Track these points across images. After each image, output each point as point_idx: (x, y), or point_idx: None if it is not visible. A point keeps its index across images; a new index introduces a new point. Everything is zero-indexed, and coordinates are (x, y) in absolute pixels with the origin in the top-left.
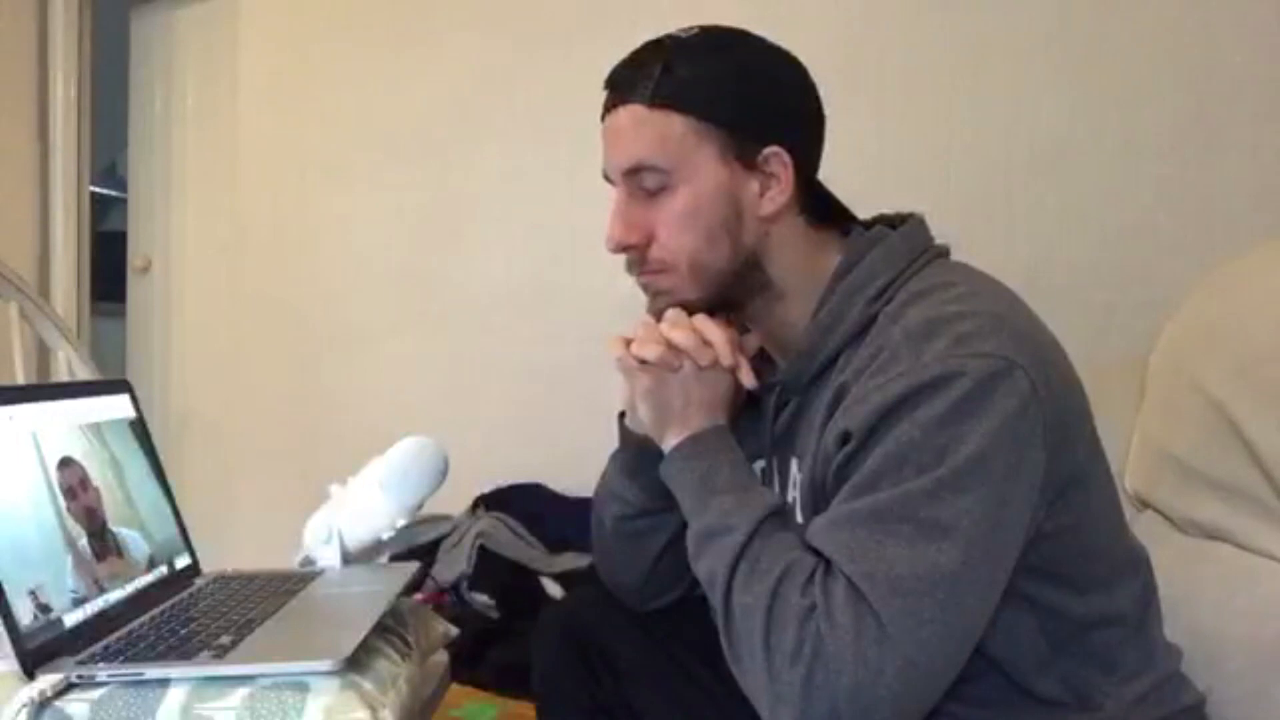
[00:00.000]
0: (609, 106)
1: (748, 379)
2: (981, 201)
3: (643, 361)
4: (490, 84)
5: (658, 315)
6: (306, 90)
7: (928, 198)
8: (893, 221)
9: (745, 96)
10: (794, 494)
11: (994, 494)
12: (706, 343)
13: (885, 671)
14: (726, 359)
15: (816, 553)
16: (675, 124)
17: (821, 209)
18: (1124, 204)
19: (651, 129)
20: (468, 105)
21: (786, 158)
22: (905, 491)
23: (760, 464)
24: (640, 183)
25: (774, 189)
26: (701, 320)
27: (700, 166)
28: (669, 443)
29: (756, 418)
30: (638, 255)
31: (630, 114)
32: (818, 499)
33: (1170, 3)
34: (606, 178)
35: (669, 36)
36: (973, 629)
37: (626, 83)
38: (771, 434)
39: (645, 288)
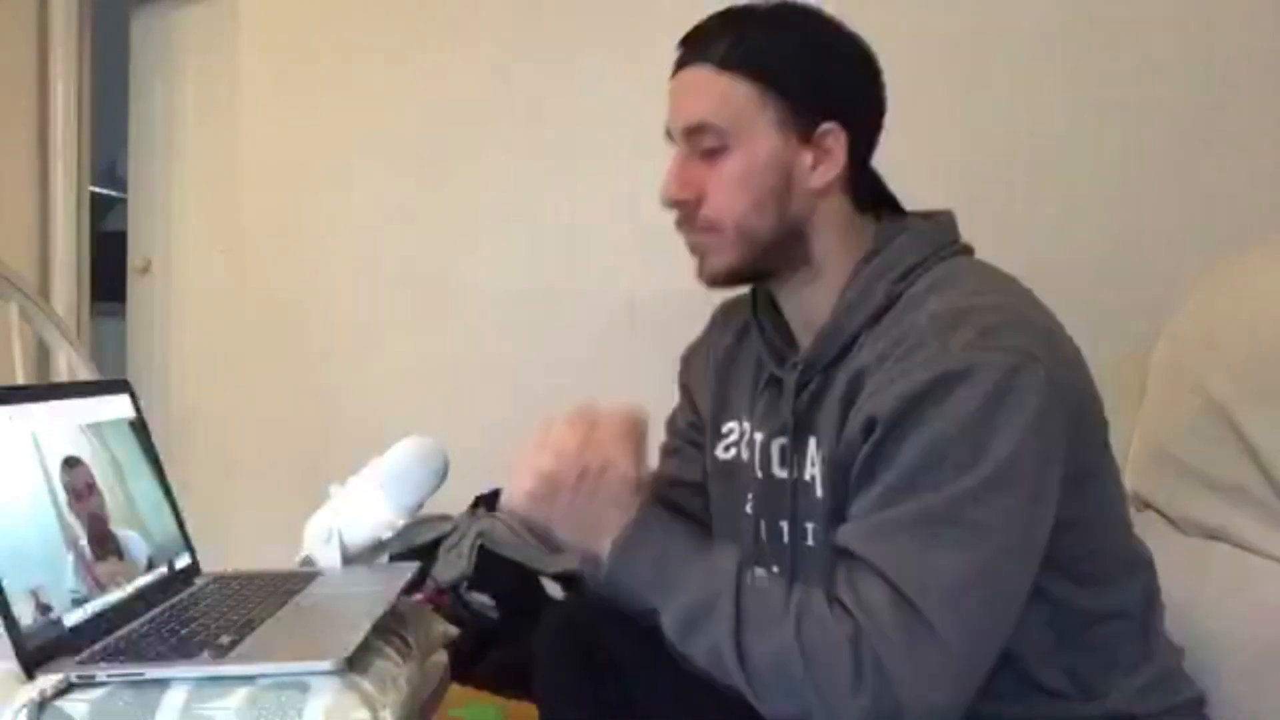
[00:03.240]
0: (679, 65)
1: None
2: (981, 201)
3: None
4: (490, 84)
5: (707, 280)
6: (307, 90)
7: (928, 198)
8: (927, 215)
9: (810, 70)
10: (812, 471)
11: (1030, 490)
12: (581, 449)
13: (943, 678)
14: (599, 459)
15: (845, 553)
16: (740, 88)
17: (868, 194)
18: (1124, 204)
19: (717, 90)
20: (468, 105)
21: (842, 136)
22: (949, 495)
23: (781, 441)
24: (700, 143)
25: (826, 164)
26: (559, 433)
27: (758, 133)
28: (604, 549)
29: (778, 396)
30: (688, 213)
31: (698, 74)
32: (836, 477)
33: (1171, 3)
34: (668, 134)
35: (745, 6)
36: (1012, 621)
37: (698, 44)
38: (794, 412)
39: (692, 248)
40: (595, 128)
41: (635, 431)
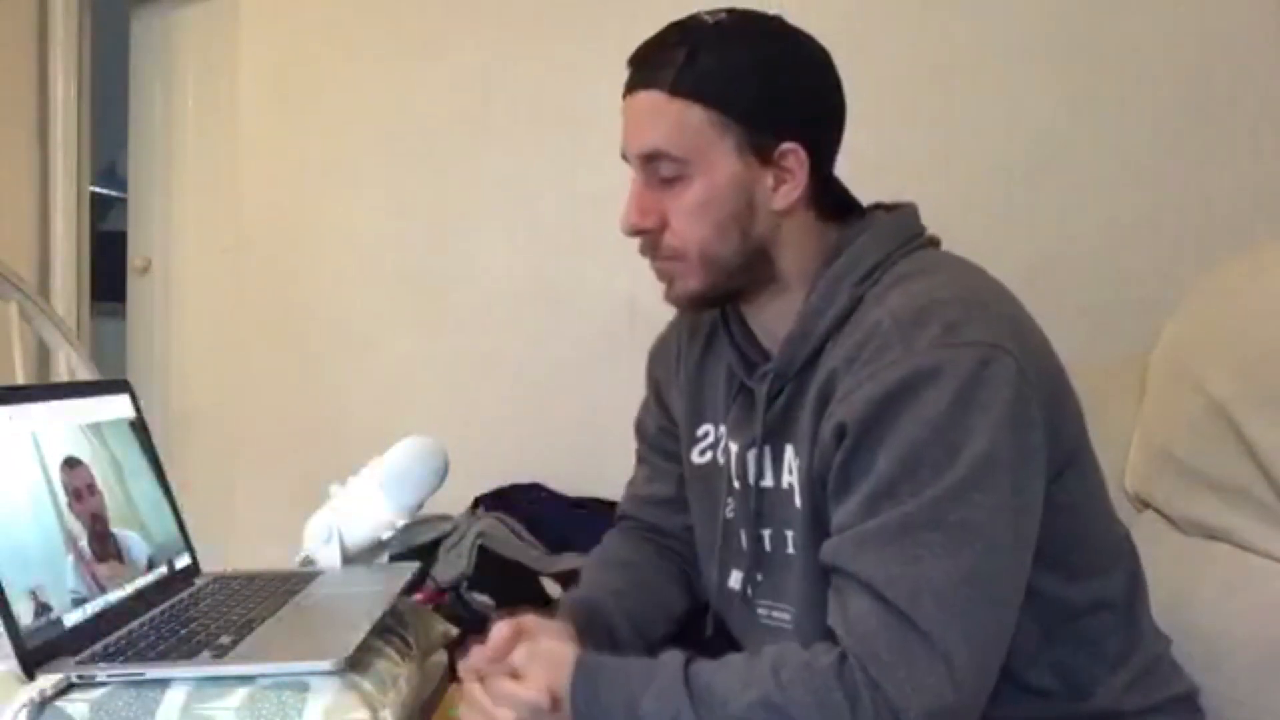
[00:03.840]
0: (630, 87)
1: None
2: (981, 201)
3: None
4: (490, 84)
5: (674, 303)
6: (307, 90)
7: (928, 198)
8: (891, 209)
9: (766, 92)
10: (790, 480)
11: (1010, 483)
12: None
13: (946, 688)
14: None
15: (833, 570)
16: (694, 115)
17: (833, 204)
18: (1124, 204)
19: (670, 118)
20: (468, 105)
21: (803, 155)
22: (929, 499)
23: (755, 451)
24: (657, 170)
25: (788, 184)
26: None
27: (716, 159)
28: None
29: (750, 406)
30: (651, 240)
31: (650, 100)
32: (814, 484)
33: (1170, 3)
34: (624, 157)
35: (696, 20)
36: (1013, 615)
37: (649, 66)
38: (764, 422)
39: (659, 273)
40: (595, 128)
41: (523, 640)
